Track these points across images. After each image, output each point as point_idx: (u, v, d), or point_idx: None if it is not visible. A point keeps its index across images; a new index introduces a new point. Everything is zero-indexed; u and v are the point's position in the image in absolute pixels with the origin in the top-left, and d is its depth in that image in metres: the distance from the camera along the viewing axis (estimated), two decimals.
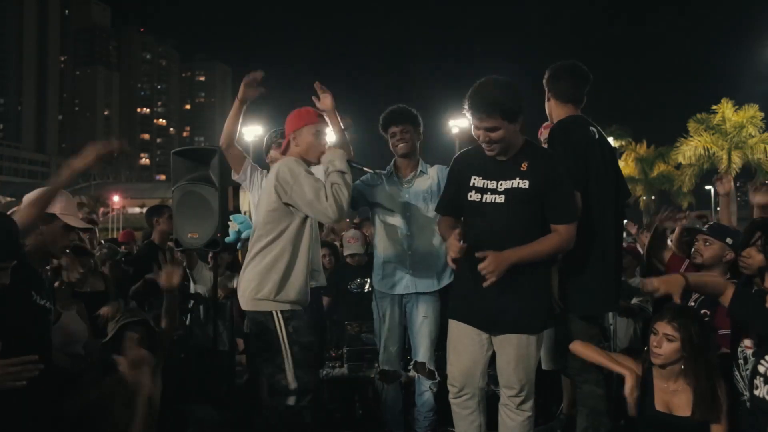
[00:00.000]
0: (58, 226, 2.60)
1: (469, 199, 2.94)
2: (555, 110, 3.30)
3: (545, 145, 3.48)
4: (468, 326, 2.98)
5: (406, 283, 3.79)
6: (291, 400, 2.96)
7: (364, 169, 3.49)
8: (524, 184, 2.84)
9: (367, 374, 4.25)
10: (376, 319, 3.90)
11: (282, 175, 2.99)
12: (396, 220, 3.82)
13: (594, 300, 3.10)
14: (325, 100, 3.49)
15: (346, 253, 5.10)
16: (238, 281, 3.20)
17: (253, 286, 3.00)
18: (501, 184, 2.88)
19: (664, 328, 2.74)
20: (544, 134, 3.90)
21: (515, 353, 2.90)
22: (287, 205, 3.00)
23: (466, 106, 2.82)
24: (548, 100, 3.33)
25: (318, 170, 3.12)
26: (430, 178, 3.85)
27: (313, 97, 3.57)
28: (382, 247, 3.88)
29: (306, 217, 3.07)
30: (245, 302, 3.07)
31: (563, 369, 3.39)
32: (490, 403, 3.11)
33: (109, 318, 3.44)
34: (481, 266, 2.69)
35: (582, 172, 3.04)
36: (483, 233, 2.88)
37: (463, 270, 2.92)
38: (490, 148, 2.85)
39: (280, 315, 2.98)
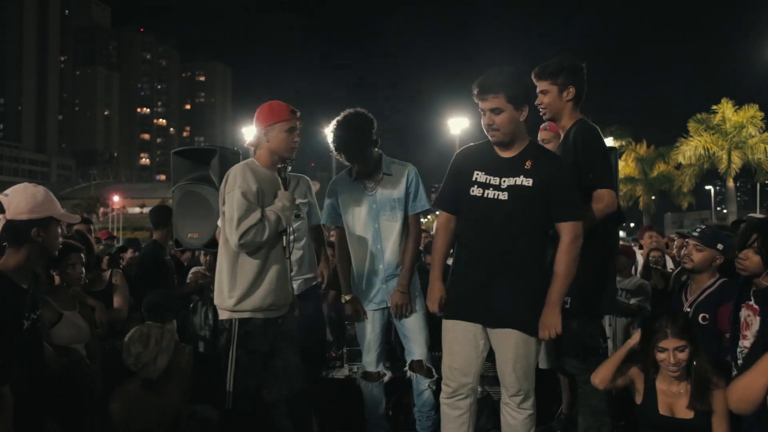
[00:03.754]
0: (56, 227, 2.58)
1: (471, 193, 2.93)
2: (569, 111, 3.19)
3: (546, 145, 3.50)
4: (464, 326, 2.97)
5: (381, 296, 3.63)
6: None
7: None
8: (528, 182, 2.84)
9: None
10: (359, 322, 3.75)
11: (230, 177, 3.06)
12: (366, 233, 3.61)
13: (612, 300, 3.24)
14: None
15: None
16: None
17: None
18: (504, 181, 2.88)
19: (673, 343, 2.71)
20: (543, 135, 3.84)
21: (513, 353, 2.89)
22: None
23: (474, 91, 2.86)
24: (567, 99, 3.16)
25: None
26: (395, 180, 3.59)
27: None
28: (354, 260, 3.69)
29: None
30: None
31: (561, 368, 3.40)
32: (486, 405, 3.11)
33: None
34: (541, 335, 2.82)
35: (610, 172, 3.11)
36: (483, 228, 2.90)
37: (460, 271, 2.97)
38: (492, 134, 2.87)
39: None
